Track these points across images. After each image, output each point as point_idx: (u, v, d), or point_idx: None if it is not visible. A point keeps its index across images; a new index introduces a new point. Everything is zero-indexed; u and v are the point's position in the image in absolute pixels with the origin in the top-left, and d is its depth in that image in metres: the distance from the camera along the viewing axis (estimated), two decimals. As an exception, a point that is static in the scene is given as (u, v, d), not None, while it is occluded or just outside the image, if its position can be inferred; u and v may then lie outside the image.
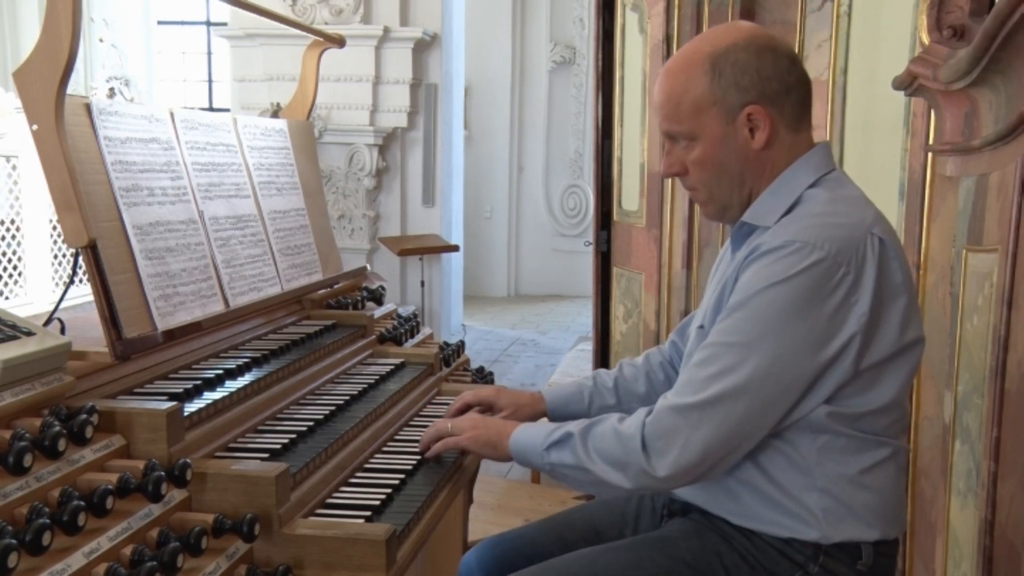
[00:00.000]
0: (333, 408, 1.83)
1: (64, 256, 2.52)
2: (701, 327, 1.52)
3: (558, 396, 1.88)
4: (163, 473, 1.35)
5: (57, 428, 1.29)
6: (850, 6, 2.57)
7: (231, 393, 1.67)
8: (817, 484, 1.43)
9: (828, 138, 2.68)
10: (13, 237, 2.39)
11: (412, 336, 2.51)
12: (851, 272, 1.36)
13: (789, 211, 1.45)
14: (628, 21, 3.80)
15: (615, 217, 4.00)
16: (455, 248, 7.03)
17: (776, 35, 1.52)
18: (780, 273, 1.36)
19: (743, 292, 1.39)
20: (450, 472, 1.77)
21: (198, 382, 1.65)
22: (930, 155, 2.06)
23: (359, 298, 2.54)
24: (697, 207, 3.30)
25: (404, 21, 7.02)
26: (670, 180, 3.48)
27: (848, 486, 1.42)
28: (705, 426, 1.38)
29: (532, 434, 1.57)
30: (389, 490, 1.61)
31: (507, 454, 1.60)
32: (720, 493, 1.51)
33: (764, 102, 1.44)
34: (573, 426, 1.51)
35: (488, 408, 1.88)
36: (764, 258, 1.39)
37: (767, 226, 1.46)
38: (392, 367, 2.20)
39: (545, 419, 1.87)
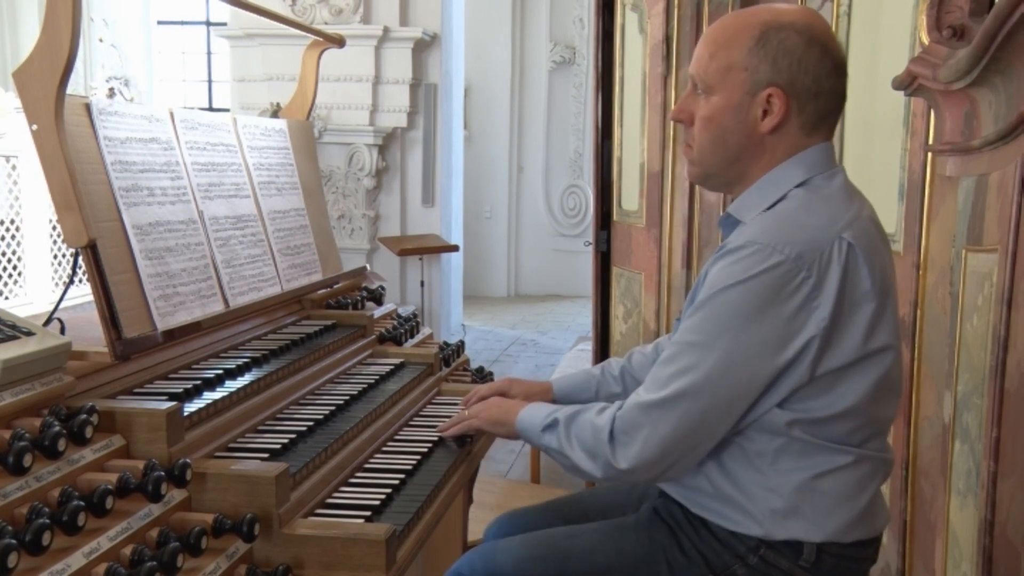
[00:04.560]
0: (333, 408, 1.83)
1: (64, 256, 2.51)
2: (678, 319, 1.56)
3: (567, 385, 1.95)
4: (163, 473, 1.35)
5: (57, 428, 1.29)
6: (850, 6, 2.57)
7: (231, 393, 1.67)
8: (768, 483, 1.44)
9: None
10: (13, 237, 2.39)
11: (412, 336, 2.51)
12: (812, 276, 1.35)
13: (771, 208, 1.46)
14: (628, 21, 3.80)
15: (615, 217, 4.00)
16: (455, 248, 7.02)
17: (840, 43, 1.47)
18: (739, 274, 1.36)
19: (706, 291, 1.41)
20: (450, 471, 1.77)
21: (198, 382, 1.65)
22: (930, 155, 2.06)
23: (359, 298, 2.54)
24: (696, 205, 3.32)
25: (404, 21, 7.02)
26: (669, 180, 3.48)
27: (798, 488, 1.43)
28: (665, 423, 1.40)
29: (534, 415, 1.64)
30: (389, 490, 1.61)
31: (514, 431, 1.69)
32: (682, 481, 1.54)
33: (790, 91, 1.41)
34: (562, 412, 1.57)
35: (500, 396, 1.95)
36: (727, 257, 1.40)
37: (745, 222, 1.48)
38: (392, 367, 2.20)
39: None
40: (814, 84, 1.42)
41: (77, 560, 1.17)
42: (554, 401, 1.93)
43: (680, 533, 1.54)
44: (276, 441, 1.62)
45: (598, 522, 1.67)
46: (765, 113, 1.43)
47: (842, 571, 1.48)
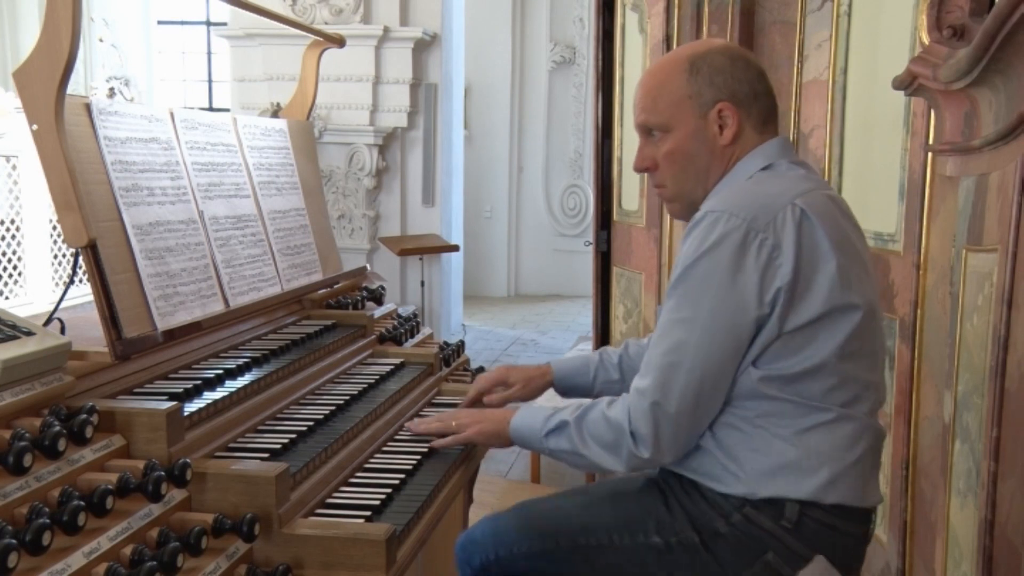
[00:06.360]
0: (333, 408, 1.83)
1: (64, 256, 2.52)
2: (661, 305, 1.61)
3: (565, 369, 2.00)
4: (163, 473, 1.35)
5: (57, 428, 1.29)
6: (850, 6, 2.57)
7: (231, 393, 1.67)
8: (753, 444, 1.50)
9: (828, 138, 2.68)
10: (13, 237, 2.39)
11: (412, 336, 2.51)
12: (770, 236, 1.44)
13: None
14: (628, 21, 3.80)
15: (615, 217, 4.00)
16: (455, 248, 7.03)
17: (750, 52, 1.65)
18: (703, 243, 1.46)
19: (678, 268, 1.49)
20: (450, 471, 1.77)
21: (198, 382, 1.65)
22: (930, 155, 2.06)
23: (359, 298, 2.54)
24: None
25: (404, 21, 7.02)
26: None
27: (780, 444, 1.49)
28: (670, 401, 1.47)
29: (530, 421, 1.66)
30: (389, 490, 1.61)
31: (509, 441, 1.71)
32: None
33: (734, 101, 1.56)
34: (567, 413, 1.61)
35: (501, 385, 2.00)
36: (691, 233, 1.49)
37: None
38: (392, 367, 2.20)
39: (550, 392, 2.01)
40: (751, 89, 1.58)
41: (77, 560, 1.17)
42: (553, 383, 1.99)
43: (670, 495, 1.60)
44: (276, 441, 1.62)
45: (592, 485, 1.76)
46: (721, 128, 1.57)
47: (825, 539, 1.50)
